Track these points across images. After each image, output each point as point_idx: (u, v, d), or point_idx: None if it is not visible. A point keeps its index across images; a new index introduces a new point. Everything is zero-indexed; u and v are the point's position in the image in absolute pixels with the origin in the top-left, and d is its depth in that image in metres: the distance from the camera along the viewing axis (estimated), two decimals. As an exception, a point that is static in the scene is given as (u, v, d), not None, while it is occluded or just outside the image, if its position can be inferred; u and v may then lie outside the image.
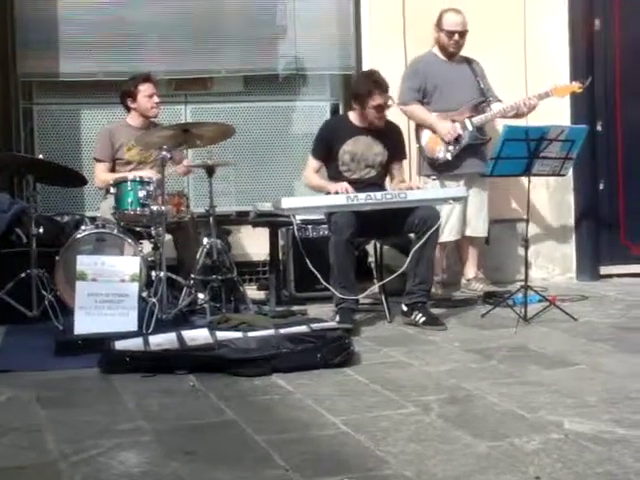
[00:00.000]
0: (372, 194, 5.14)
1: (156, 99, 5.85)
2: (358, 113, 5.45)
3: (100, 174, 5.83)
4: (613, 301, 5.90)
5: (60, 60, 6.51)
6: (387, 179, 5.65)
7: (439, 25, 6.11)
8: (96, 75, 6.56)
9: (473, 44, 6.15)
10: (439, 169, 6.07)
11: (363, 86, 5.42)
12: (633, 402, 3.52)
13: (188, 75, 6.82)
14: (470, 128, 6.02)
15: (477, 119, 6.04)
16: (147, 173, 5.57)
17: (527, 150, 5.15)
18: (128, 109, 5.90)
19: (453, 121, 6.01)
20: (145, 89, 5.82)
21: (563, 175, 5.54)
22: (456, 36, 6.07)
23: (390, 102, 5.41)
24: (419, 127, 6.12)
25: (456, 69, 6.14)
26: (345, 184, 5.25)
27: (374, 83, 5.36)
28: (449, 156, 6.00)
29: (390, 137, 5.51)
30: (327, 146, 5.46)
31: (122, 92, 5.89)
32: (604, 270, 6.81)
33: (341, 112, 6.75)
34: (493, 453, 2.98)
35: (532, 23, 6.73)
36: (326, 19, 6.89)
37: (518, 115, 6.00)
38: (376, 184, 5.45)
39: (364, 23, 6.72)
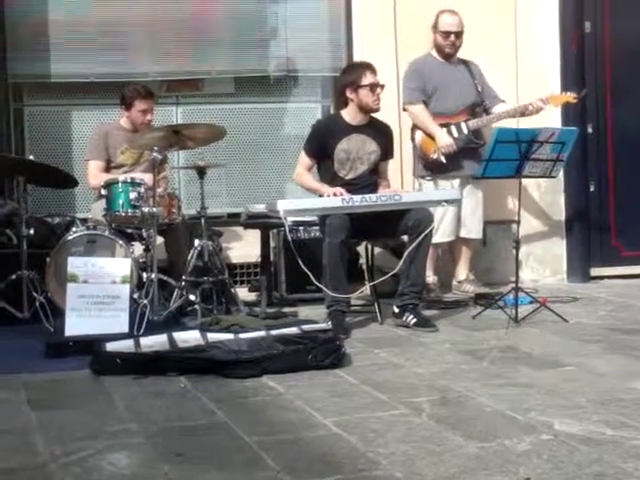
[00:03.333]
0: (367, 196, 5.15)
1: (149, 117, 5.80)
2: (351, 109, 5.44)
3: (94, 173, 5.80)
4: (603, 303, 5.91)
5: (51, 61, 6.49)
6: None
7: (435, 26, 6.12)
8: (87, 77, 6.54)
9: (464, 46, 6.16)
10: (433, 170, 6.07)
11: (353, 70, 5.48)
12: (622, 403, 3.53)
13: (179, 77, 6.81)
14: (465, 131, 6.03)
15: (472, 123, 6.04)
16: (141, 175, 5.56)
17: (518, 152, 5.16)
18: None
19: (448, 124, 6.03)
20: (140, 105, 5.76)
21: (554, 177, 5.55)
22: (452, 37, 6.08)
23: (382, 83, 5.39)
24: (414, 127, 6.13)
25: (454, 71, 6.15)
26: (340, 189, 5.24)
27: (364, 65, 5.45)
28: (443, 159, 6.00)
29: (382, 135, 5.51)
30: (321, 144, 5.44)
31: (121, 95, 5.88)
32: (595, 272, 6.83)
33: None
34: (483, 454, 2.98)
35: (523, 26, 6.75)
36: (317, 21, 6.89)
37: (523, 114, 6.01)
38: (370, 185, 5.46)
39: (355, 25, 6.72)
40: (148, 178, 5.38)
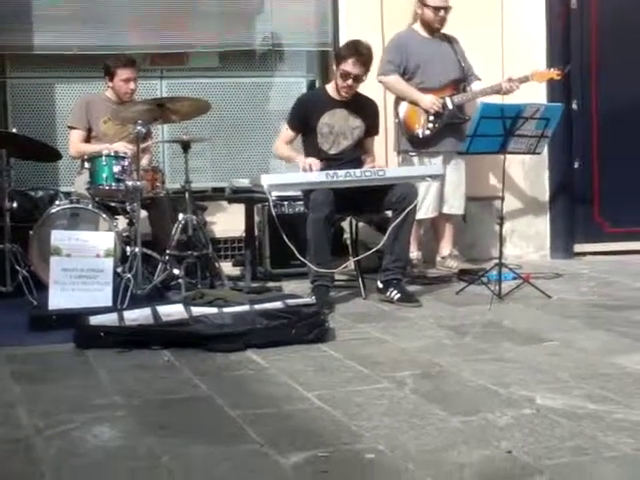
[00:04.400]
0: (351, 171, 5.14)
1: (132, 85, 5.78)
2: (334, 84, 5.43)
3: (75, 142, 5.79)
4: (586, 279, 5.94)
5: (34, 33, 6.42)
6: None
7: (423, 1, 6.07)
8: (70, 49, 6.48)
9: (450, 22, 6.13)
10: (418, 146, 6.06)
11: (345, 49, 5.41)
12: (604, 378, 3.55)
13: (164, 50, 6.76)
14: (450, 106, 6.02)
15: (457, 98, 6.04)
16: (120, 146, 5.52)
17: (503, 128, 5.16)
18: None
19: None
20: (122, 73, 5.75)
21: (538, 153, 5.56)
22: (442, 12, 6.04)
23: (364, 77, 5.36)
24: (397, 102, 6.11)
25: (437, 46, 6.12)
26: (314, 159, 5.21)
27: (353, 50, 5.30)
28: (428, 132, 6.00)
29: (367, 111, 5.50)
30: (304, 118, 5.43)
31: (104, 66, 5.85)
32: (578, 248, 6.85)
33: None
34: (466, 428, 3.01)
35: (509, 2, 6.72)
36: (303, -5, 6.85)
37: (498, 92, 6.01)
38: (355, 160, 5.45)
39: (341, -1, 6.70)
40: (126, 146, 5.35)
